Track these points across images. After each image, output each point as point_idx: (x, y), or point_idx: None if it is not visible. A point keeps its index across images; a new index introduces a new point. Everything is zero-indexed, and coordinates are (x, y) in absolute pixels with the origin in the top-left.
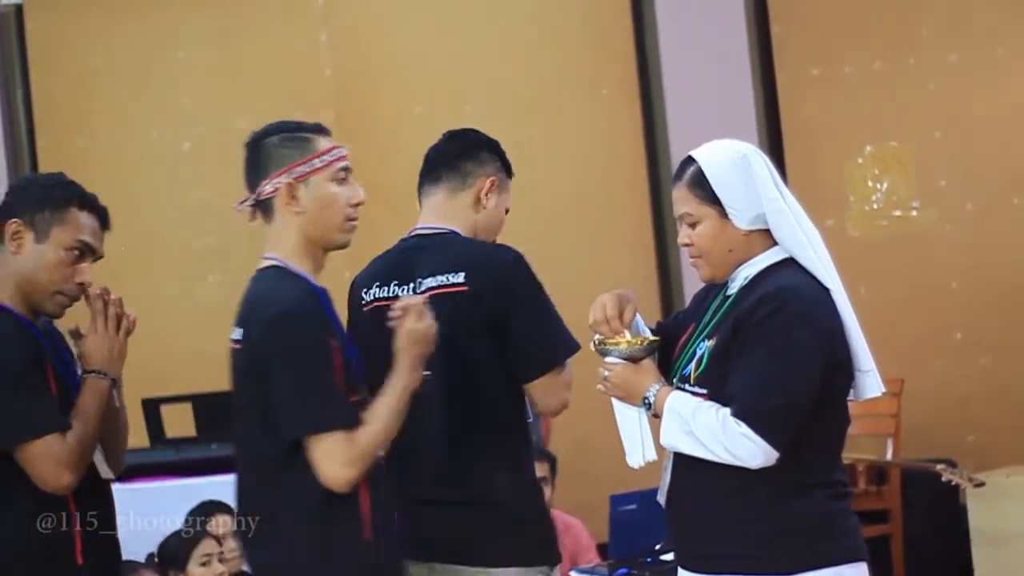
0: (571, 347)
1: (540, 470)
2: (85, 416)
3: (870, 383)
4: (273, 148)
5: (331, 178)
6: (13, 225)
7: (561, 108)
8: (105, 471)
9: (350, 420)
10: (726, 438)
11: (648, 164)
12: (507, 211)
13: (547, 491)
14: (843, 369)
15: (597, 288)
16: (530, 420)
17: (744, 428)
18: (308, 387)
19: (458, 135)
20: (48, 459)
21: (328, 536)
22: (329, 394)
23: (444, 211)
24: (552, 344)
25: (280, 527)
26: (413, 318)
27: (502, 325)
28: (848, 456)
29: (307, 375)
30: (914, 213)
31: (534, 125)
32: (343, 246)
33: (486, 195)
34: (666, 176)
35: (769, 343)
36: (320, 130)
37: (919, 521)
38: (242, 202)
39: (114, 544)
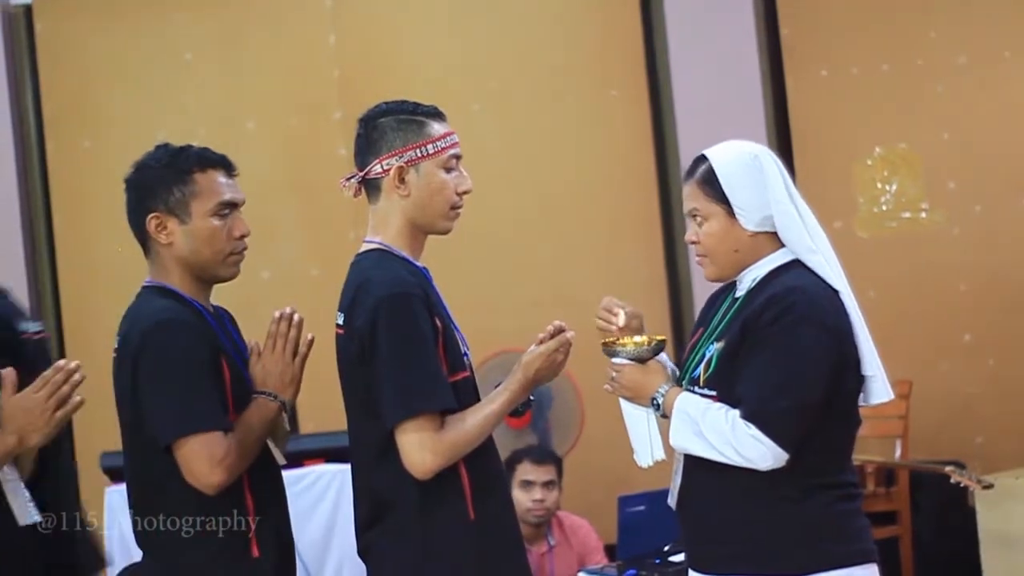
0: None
1: (546, 472)
2: (248, 429)
3: (877, 388)
4: (387, 128)
5: (441, 165)
6: (154, 220)
7: (570, 109)
8: (279, 456)
9: (445, 403)
10: (735, 440)
11: (657, 165)
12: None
13: (555, 493)
14: (853, 370)
15: (605, 290)
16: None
17: (753, 430)
18: (406, 371)
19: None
20: (204, 456)
21: (432, 520)
22: (427, 377)
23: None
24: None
25: (389, 510)
26: (560, 350)
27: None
28: (856, 458)
29: (406, 358)
30: (923, 215)
31: (543, 126)
32: (445, 232)
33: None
34: (675, 177)
35: (777, 344)
36: (436, 114)
37: (928, 523)
38: (349, 177)
39: (288, 535)
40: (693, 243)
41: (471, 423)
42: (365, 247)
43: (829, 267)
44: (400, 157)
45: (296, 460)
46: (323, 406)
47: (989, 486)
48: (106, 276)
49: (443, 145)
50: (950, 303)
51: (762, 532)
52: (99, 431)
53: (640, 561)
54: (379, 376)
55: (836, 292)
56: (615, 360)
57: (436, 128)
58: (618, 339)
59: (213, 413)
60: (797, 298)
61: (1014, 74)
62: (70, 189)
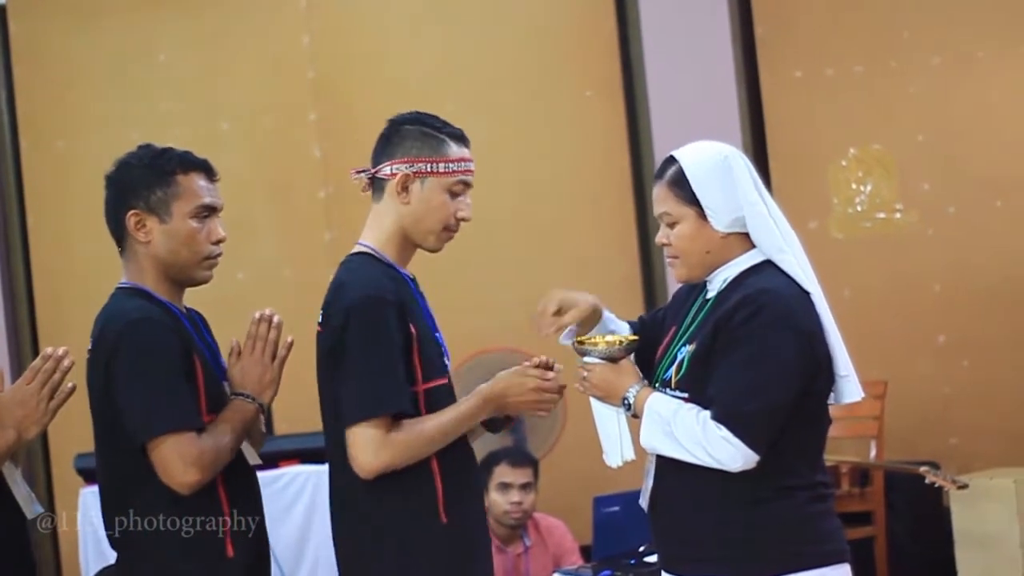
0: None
1: (523, 475)
2: (224, 431)
3: (849, 388)
4: (408, 135)
5: (447, 187)
6: (133, 217)
7: (545, 109)
8: (252, 457)
9: (399, 407)
10: (706, 441)
11: (632, 165)
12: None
13: (532, 495)
14: (824, 371)
15: (580, 289)
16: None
17: (724, 431)
18: (365, 373)
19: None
20: (178, 456)
21: (403, 524)
22: (383, 381)
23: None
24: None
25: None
26: (539, 388)
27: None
28: (831, 458)
29: (366, 361)
30: (897, 216)
31: (518, 126)
32: (432, 250)
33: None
34: (650, 177)
35: (748, 346)
36: (460, 138)
37: (902, 523)
38: (359, 171)
39: (263, 535)
40: (664, 245)
41: (427, 427)
42: (356, 249)
43: (800, 268)
44: (410, 166)
45: (271, 461)
46: (298, 407)
47: (964, 486)
48: (81, 276)
49: (454, 168)
50: (925, 304)
51: (734, 533)
52: (74, 432)
53: (615, 562)
54: (341, 376)
55: (807, 293)
56: (586, 359)
57: (454, 150)
58: (589, 338)
59: (187, 413)
60: (768, 300)
61: (988, 75)
62: (44, 189)
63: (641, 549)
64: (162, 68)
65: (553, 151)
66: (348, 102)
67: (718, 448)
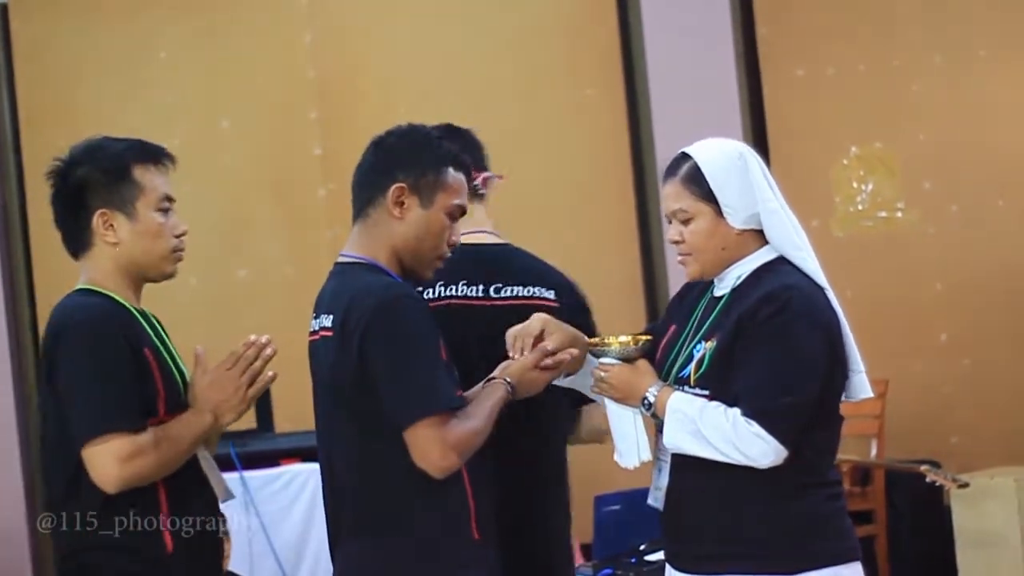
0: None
1: None
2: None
3: (862, 384)
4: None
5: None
6: (398, 190)
7: (546, 108)
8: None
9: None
10: (737, 437)
11: (633, 164)
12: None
13: None
14: (842, 368)
15: (582, 286)
16: None
17: (755, 427)
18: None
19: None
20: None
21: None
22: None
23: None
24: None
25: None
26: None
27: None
28: None
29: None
30: (899, 214)
31: (519, 125)
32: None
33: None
34: (651, 176)
35: (775, 342)
36: (467, 171)
37: (903, 522)
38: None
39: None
40: (677, 243)
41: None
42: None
43: (814, 264)
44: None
45: (272, 459)
46: (300, 404)
47: (964, 485)
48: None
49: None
50: (926, 302)
51: (756, 531)
52: None
53: (616, 560)
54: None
55: (823, 289)
56: (603, 361)
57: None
58: (604, 339)
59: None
60: (793, 295)
61: (989, 73)
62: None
63: (642, 547)
64: (163, 66)
65: (554, 151)
66: (349, 101)
67: (749, 445)
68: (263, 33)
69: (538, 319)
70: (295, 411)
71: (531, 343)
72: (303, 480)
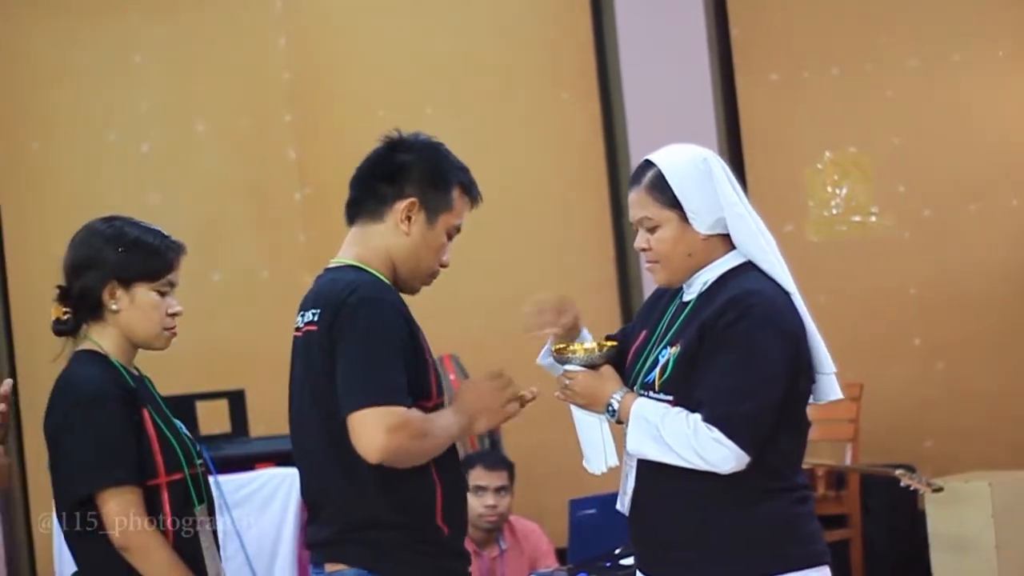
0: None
1: (498, 478)
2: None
3: (831, 385)
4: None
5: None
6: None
7: (521, 111)
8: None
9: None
10: (698, 443)
11: (608, 168)
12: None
13: (507, 498)
14: (806, 373)
15: (555, 291)
16: None
17: (716, 433)
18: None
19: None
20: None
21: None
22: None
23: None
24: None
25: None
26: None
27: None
28: (807, 461)
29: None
30: (873, 219)
31: (494, 128)
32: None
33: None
34: (625, 177)
35: (737, 347)
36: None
37: (878, 526)
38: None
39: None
40: (644, 251)
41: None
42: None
43: (780, 268)
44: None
45: (246, 463)
46: (274, 409)
47: (939, 489)
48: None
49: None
50: (900, 307)
51: (719, 536)
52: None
53: (591, 564)
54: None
55: (788, 294)
56: (568, 367)
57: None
58: (568, 346)
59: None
60: (756, 301)
61: (964, 78)
62: (19, 190)
63: (617, 551)
64: (138, 69)
65: (529, 154)
66: (324, 104)
67: (710, 450)
68: (237, 36)
69: (548, 296)
70: (270, 415)
71: (548, 320)
72: (276, 484)
